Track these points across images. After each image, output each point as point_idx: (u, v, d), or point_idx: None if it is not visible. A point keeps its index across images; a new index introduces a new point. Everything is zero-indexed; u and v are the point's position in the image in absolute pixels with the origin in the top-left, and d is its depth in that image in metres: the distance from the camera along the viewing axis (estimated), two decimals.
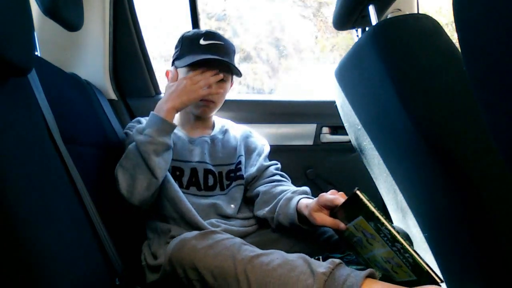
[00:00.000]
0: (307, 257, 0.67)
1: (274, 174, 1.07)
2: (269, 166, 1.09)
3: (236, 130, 1.17)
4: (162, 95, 1.52)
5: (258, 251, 0.69)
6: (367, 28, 0.98)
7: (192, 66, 1.00)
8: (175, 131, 1.01)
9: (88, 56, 1.36)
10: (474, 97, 0.46)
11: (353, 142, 1.17)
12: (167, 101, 0.94)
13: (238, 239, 0.72)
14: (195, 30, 1.08)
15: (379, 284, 0.62)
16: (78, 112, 1.09)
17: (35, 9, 0.86)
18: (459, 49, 0.49)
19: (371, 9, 0.91)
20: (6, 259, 0.59)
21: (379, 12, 0.93)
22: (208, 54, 0.99)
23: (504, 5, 0.39)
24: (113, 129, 1.25)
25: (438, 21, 0.76)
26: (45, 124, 0.81)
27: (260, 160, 1.09)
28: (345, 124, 1.17)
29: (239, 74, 1.06)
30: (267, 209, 0.96)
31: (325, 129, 1.49)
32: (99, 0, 1.34)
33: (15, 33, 0.61)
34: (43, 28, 1.25)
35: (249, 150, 1.13)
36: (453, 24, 0.45)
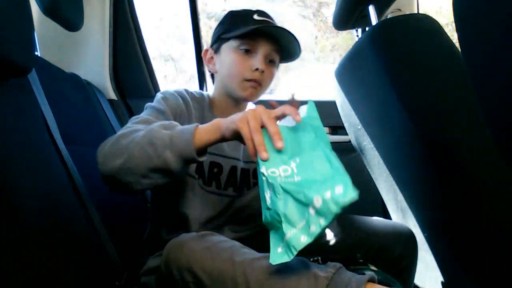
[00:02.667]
0: (306, 260, 0.67)
1: None
2: None
3: None
4: None
5: (257, 254, 0.68)
6: (367, 28, 0.98)
7: (242, 39, 0.87)
8: (212, 118, 0.88)
9: (88, 56, 1.36)
10: (474, 96, 0.46)
11: (353, 142, 1.17)
12: (224, 119, 0.69)
13: (237, 242, 0.71)
14: (244, 8, 0.94)
15: None
16: (78, 112, 1.09)
17: (35, 9, 0.86)
18: (459, 49, 0.49)
19: (371, 9, 0.91)
20: (8, 257, 0.59)
21: (379, 12, 0.93)
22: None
23: (504, 5, 0.39)
24: (113, 129, 1.25)
25: (438, 21, 0.76)
26: (45, 124, 0.81)
27: None
28: (345, 124, 1.17)
29: (297, 54, 0.93)
30: None
31: (325, 129, 1.49)
32: (99, 0, 1.34)
33: (15, 33, 0.61)
34: (43, 28, 1.25)
35: None
36: (453, 24, 0.45)
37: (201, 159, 0.69)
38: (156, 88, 1.53)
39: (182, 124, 0.82)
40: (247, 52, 0.88)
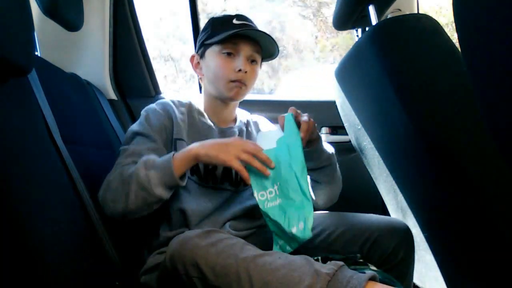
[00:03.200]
0: (309, 258, 0.68)
1: None
2: None
3: (256, 123, 1.12)
4: (162, 95, 1.53)
5: (260, 251, 0.69)
6: (367, 28, 0.98)
7: (224, 44, 0.94)
8: (205, 120, 0.99)
9: (88, 56, 1.36)
10: (474, 96, 0.46)
11: (353, 142, 1.17)
12: (199, 146, 0.83)
13: (241, 239, 0.73)
14: (224, 13, 1.02)
15: (381, 287, 0.62)
16: (78, 112, 1.09)
17: (35, 9, 0.86)
18: (459, 49, 0.49)
19: (371, 9, 0.91)
20: (7, 257, 0.60)
21: (379, 12, 0.93)
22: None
23: (504, 5, 0.39)
24: (113, 129, 1.25)
25: (438, 21, 0.76)
26: (45, 124, 0.81)
27: None
28: (345, 124, 1.17)
29: (276, 53, 1.00)
30: None
31: (325, 129, 1.49)
32: (99, 0, 1.34)
33: (15, 33, 0.61)
34: (43, 28, 1.25)
35: None
36: (453, 24, 0.45)
37: (183, 183, 0.83)
38: (156, 88, 1.53)
39: (170, 134, 0.95)
40: (230, 55, 0.95)
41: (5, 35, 0.59)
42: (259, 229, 0.96)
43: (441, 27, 0.75)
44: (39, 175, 0.71)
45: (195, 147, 0.82)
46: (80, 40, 1.34)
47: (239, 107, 1.09)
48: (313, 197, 1.00)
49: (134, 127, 0.94)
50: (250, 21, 0.99)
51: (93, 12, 1.33)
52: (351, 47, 0.95)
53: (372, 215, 0.95)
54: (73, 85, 1.17)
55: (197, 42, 1.03)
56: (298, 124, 0.85)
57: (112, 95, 1.41)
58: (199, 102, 1.04)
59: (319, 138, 0.93)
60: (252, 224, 0.95)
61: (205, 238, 0.71)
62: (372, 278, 0.63)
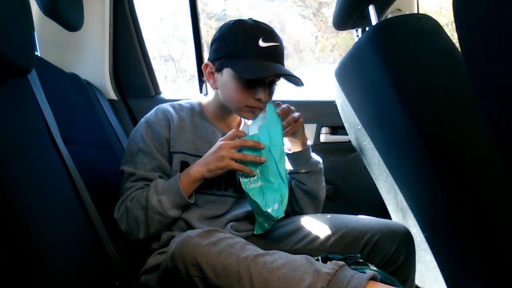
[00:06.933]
0: (310, 257, 0.68)
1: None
2: None
3: None
4: (162, 95, 1.53)
5: (261, 250, 0.69)
6: (367, 28, 0.98)
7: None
8: (208, 125, 0.98)
9: (88, 56, 1.36)
10: (474, 97, 0.46)
11: (353, 142, 1.17)
12: (198, 166, 0.87)
13: (242, 239, 0.73)
14: (251, 22, 0.91)
15: (381, 287, 0.62)
16: (78, 112, 1.09)
17: (35, 9, 0.86)
18: (459, 49, 0.49)
19: (371, 9, 0.91)
20: (6, 258, 0.60)
21: (379, 12, 0.93)
22: (267, 61, 0.87)
23: (504, 5, 0.39)
24: (113, 129, 1.25)
25: (438, 21, 0.76)
26: (45, 124, 0.81)
27: None
28: (345, 124, 1.17)
29: (300, 85, 0.93)
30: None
31: (325, 129, 1.49)
32: (99, 0, 1.34)
33: (15, 33, 0.61)
34: (43, 28, 1.25)
35: None
36: (453, 24, 0.45)
37: (192, 201, 0.89)
38: (156, 88, 1.53)
39: (168, 146, 0.93)
40: (250, 81, 0.89)
41: (5, 35, 0.59)
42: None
43: (441, 27, 0.75)
44: (39, 175, 0.71)
45: (193, 169, 0.87)
46: (80, 40, 1.34)
47: None
48: (301, 208, 1.03)
49: (138, 140, 0.92)
50: (277, 39, 0.91)
51: (93, 12, 1.34)
52: (351, 47, 0.95)
53: (372, 217, 0.95)
54: (73, 85, 1.17)
55: (213, 49, 0.94)
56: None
57: (112, 95, 1.41)
58: (201, 104, 1.02)
59: (308, 145, 0.98)
60: (254, 226, 0.95)
61: (206, 237, 0.71)
62: (373, 278, 0.63)
